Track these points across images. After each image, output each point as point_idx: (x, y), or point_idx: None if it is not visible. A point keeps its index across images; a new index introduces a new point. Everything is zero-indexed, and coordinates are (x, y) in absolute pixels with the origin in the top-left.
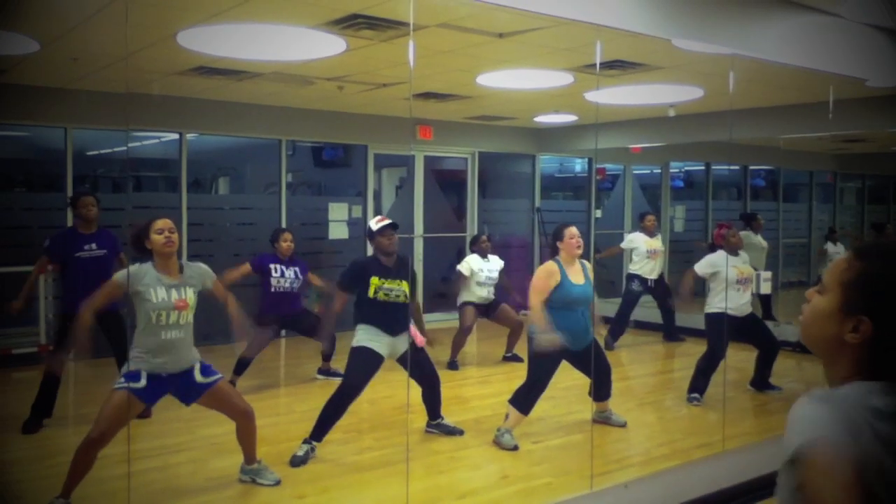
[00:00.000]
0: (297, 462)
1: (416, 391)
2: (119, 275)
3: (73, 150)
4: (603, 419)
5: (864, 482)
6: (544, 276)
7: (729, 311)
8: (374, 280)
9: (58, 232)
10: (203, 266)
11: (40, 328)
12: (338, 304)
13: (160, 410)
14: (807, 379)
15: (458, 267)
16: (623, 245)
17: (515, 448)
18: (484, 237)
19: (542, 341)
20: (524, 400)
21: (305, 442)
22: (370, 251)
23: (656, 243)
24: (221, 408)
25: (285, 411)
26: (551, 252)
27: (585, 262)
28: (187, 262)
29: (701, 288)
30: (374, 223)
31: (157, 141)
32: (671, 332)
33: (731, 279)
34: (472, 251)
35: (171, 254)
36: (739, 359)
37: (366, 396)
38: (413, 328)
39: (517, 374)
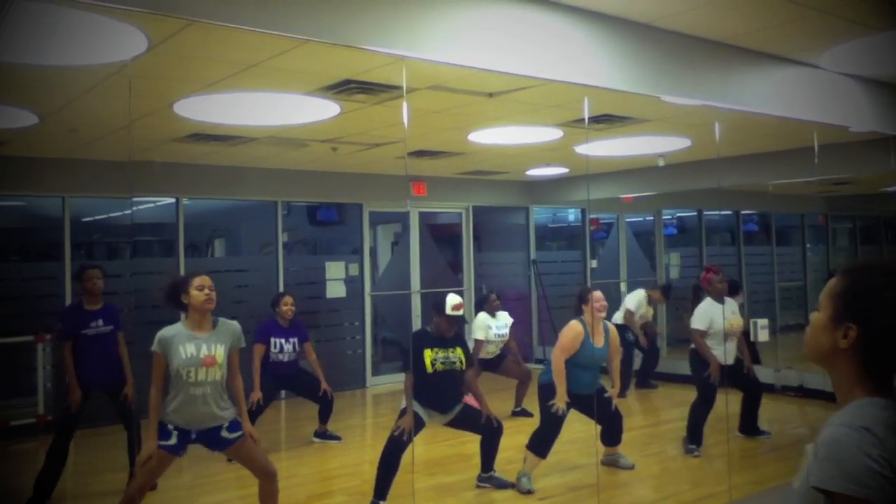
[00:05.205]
0: None
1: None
2: (155, 345)
3: (70, 218)
4: (611, 461)
5: None
6: (571, 336)
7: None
8: (429, 352)
9: (66, 309)
10: (236, 325)
11: (38, 399)
12: (407, 386)
13: (162, 479)
14: (810, 424)
15: (474, 335)
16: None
17: (530, 492)
18: (493, 296)
19: (554, 404)
20: (539, 444)
21: (372, 502)
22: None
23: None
24: (246, 463)
25: (286, 475)
26: (575, 311)
27: (609, 324)
28: (222, 319)
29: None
30: (451, 308)
31: (151, 205)
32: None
33: (719, 331)
34: (482, 310)
35: (209, 310)
36: None
37: (370, 457)
38: (468, 397)
39: (526, 431)
